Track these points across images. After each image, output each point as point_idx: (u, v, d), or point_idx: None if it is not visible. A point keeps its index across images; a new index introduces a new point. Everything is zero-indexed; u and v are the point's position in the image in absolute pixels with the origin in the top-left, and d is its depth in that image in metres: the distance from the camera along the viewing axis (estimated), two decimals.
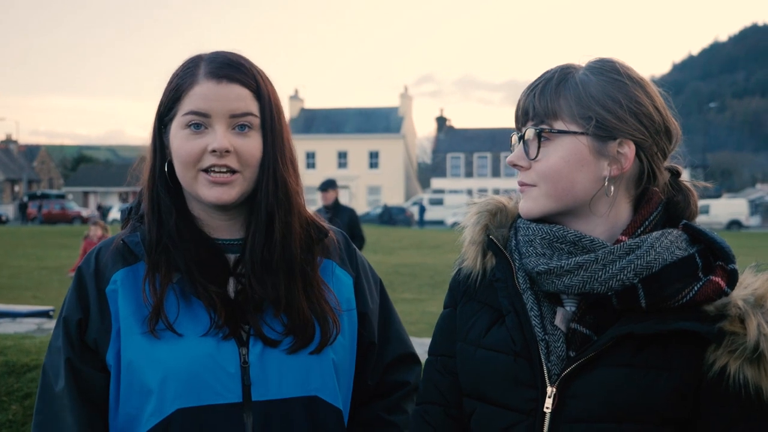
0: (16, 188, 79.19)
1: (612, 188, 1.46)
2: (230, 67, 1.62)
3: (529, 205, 1.51)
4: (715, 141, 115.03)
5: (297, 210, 1.71)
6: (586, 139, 1.45)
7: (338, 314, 1.73)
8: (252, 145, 1.63)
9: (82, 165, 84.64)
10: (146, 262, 1.65)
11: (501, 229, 1.59)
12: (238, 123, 1.62)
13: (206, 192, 1.62)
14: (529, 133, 1.48)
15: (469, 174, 65.95)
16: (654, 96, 1.49)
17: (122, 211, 1.80)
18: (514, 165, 1.52)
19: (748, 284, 1.42)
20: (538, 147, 1.47)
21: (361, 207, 61.03)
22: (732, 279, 1.42)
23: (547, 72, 1.52)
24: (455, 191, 58.87)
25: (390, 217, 47.79)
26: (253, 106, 1.63)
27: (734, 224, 46.27)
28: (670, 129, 1.51)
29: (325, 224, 1.82)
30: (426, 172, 77.49)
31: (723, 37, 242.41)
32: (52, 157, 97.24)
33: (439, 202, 53.09)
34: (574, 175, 1.46)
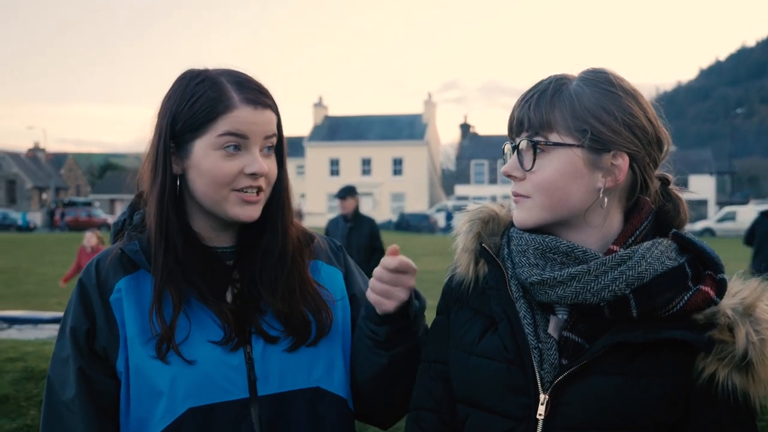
0: (44, 196, 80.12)
1: (606, 200, 1.48)
2: (262, 94, 1.71)
3: (524, 215, 1.52)
4: (743, 147, 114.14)
5: (292, 218, 1.82)
6: (581, 151, 1.47)
7: (332, 306, 1.80)
8: (274, 165, 1.75)
9: (109, 172, 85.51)
10: (152, 274, 1.68)
11: (493, 237, 1.61)
12: (266, 145, 1.71)
13: (238, 210, 1.69)
14: (524, 144, 1.50)
15: (493, 181, 65.80)
16: (646, 107, 1.51)
17: (114, 225, 1.82)
18: (509, 175, 1.53)
19: (736, 292, 1.46)
20: (534, 158, 1.48)
21: (384, 214, 61.07)
22: (721, 288, 1.45)
23: (540, 83, 1.53)
24: (479, 198, 58.55)
25: (407, 225, 47.84)
26: (275, 129, 1.74)
27: None
28: (661, 139, 1.53)
29: (308, 230, 1.90)
30: (450, 179, 77.45)
31: (751, 42, 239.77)
32: (79, 164, 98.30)
33: (462, 209, 52.88)
34: (569, 187, 1.48)
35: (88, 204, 61.12)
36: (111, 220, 51.06)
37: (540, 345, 1.48)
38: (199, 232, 1.74)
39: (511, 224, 1.58)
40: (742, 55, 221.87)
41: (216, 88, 1.67)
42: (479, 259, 1.61)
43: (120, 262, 1.71)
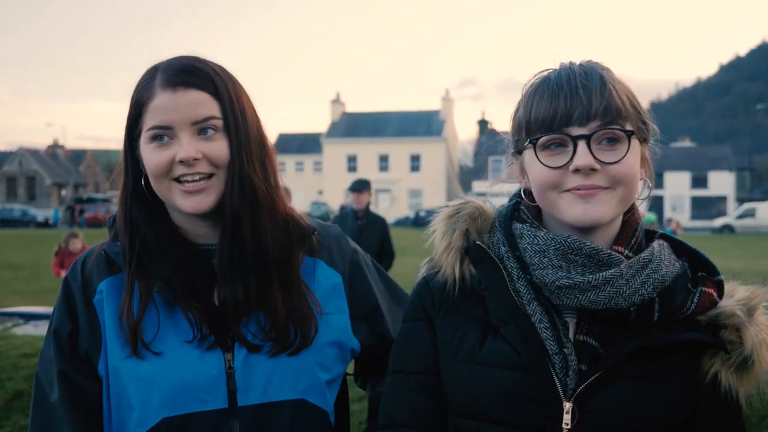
0: (63, 192, 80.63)
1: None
2: (185, 73, 1.59)
3: (602, 209, 1.40)
4: (763, 143, 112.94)
5: (268, 208, 1.64)
6: (637, 141, 1.44)
7: (318, 315, 1.68)
8: (219, 146, 1.59)
9: None
10: (126, 275, 1.63)
11: (483, 235, 1.52)
12: (201, 128, 1.58)
13: (182, 202, 1.59)
14: (601, 134, 1.39)
15: (511, 177, 65.41)
16: None
17: (108, 220, 1.79)
18: (592, 168, 1.38)
19: (732, 294, 1.47)
20: (628, 147, 1.40)
21: (402, 211, 61.01)
22: (721, 290, 1.46)
23: (580, 71, 1.43)
24: (497, 194, 58.53)
25: (424, 221, 48.20)
26: (214, 109, 1.59)
27: None
28: None
29: (310, 222, 1.76)
30: (468, 176, 77.20)
31: None
32: (98, 161, 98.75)
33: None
34: (638, 178, 1.45)
35: (107, 200, 61.42)
36: None
37: (565, 350, 1.41)
38: (181, 226, 1.67)
39: (500, 220, 1.52)
40: (763, 50, 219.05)
41: (145, 79, 1.61)
42: (464, 258, 1.52)
43: (104, 262, 1.67)
